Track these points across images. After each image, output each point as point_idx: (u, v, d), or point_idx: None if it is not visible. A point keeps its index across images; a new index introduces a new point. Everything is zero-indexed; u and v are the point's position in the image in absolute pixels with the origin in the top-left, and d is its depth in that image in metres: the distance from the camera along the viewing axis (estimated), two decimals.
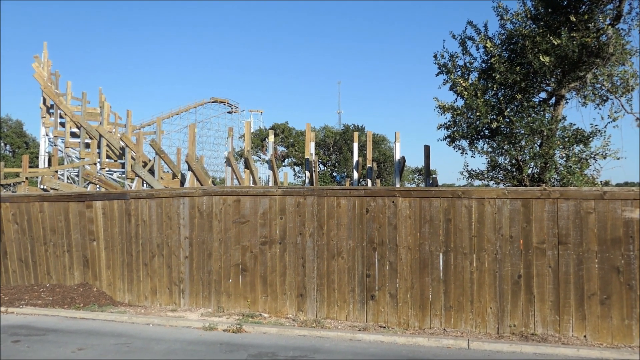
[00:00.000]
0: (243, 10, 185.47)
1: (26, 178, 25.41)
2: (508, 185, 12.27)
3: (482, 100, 11.64)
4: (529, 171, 11.71)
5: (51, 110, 32.75)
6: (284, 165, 62.69)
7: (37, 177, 29.64)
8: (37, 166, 37.04)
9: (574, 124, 11.67)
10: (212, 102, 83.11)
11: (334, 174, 60.51)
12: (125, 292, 11.42)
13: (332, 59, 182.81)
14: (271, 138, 21.32)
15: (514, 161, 12.25)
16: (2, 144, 61.20)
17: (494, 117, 11.68)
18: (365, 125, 65.82)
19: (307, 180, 20.03)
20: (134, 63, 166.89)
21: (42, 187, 26.27)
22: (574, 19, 11.22)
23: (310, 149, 20.20)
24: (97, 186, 20.17)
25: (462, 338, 8.40)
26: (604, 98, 12.51)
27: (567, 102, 12.62)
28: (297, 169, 63.55)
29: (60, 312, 10.12)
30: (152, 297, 11.12)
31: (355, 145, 21.13)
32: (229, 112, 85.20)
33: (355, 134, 21.30)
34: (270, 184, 20.44)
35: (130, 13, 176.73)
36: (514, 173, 12.28)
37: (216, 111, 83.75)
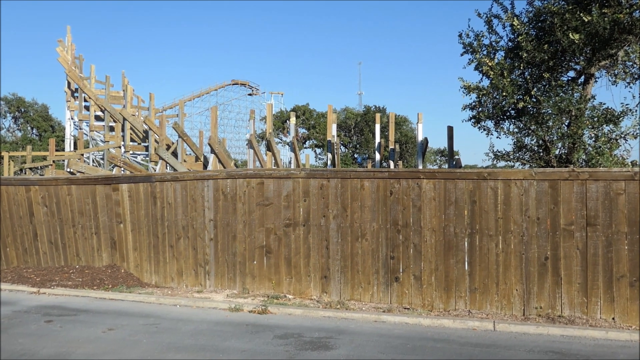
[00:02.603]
0: None
1: (53, 161, 25.90)
2: (535, 167, 12.07)
3: (508, 79, 11.40)
4: (557, 152, 11.49)
5: (76, 94, 33.17)
6: (305, 147, 62.68)
7: (64, 160, 30.22)
8: (63, 149, 37.70)
9: (604, 104, 11.40)
10: (233, 84, 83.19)
11: (355, 155, 60.31)
12: (152, 273, 11.63)
13: (353, 39, 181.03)
14: (293, 120, 21.28)
15: (540, 142, 12.03)
16: (29, 128, 62.39)
17: (521, 97, 11.44)
18: (386, 106, 65.27)
19: (329, 162, 20.00)
20: (155, 44, 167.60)
21: (68, 170, 26.79)
22: None
23: (332, 130, 20.12)
24: (122, 169, 20.47)
25: (487, 320, 8.37)
26: (636, 76, 12.14)
27: (596, 81, 12.28)
28: (318, 150, 63.47)
29: (90, 292, 10.37)
30: (179, 279, 11.30)
31: (377, 127, 20.98)
32: (250, 94, 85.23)
33: (377, 115, 21.14)
34: (292, 166, 20.46)
35: None
36: (541, 154, 12.07)
37: (237, 93, 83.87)
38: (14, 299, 10.05)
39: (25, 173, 29.68)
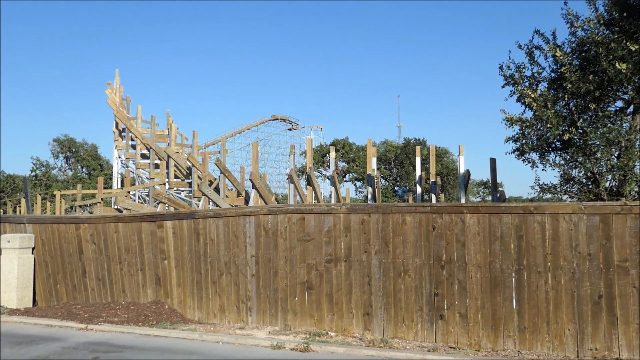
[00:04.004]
0: (301, 27, 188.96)
1: (101, 199, 26.78)
2: (584, 200, 11.66)
3: (552, 111, 11.17)
4: (607, 184, 11.09)
5: (123, 134, 34.51)
6: (345, 181, 62.72)
7: (111, 198, 31.21)
8: (111, 187, 38.99)
9: None
10: (273, 119, 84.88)
11: (396, 188, 59.87)
12: (195, 309, 11.72)
13: (391, 72, 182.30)
14: (332, 154, 21.41)
15: (589, 174, 11.64)
16: (79, 167, 65.00)
17: (566, 128, 11.17)
18: (426, 138, 64.83)
19: (369, 196, 19.91)
20: (196, 80, 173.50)
21: (116, 207, 27.61)
22: None
23: (372, 164, 20.09)
24: (167, 205, 20.96)
25: None
26: None
27: None
28: (358, 184, 63.37)
29: (135, 329, 10.50)
30: (221, 315, 11.34)
31: (418, 159, 20.82)
32: (290, 129, 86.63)
33: (417, 148, 21.00)
34: (333, 200, 20.48)
35: (189, 32, 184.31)
36: (590, 187, 11.67)
37: (277, 128, 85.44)
38: (64, 335, 10.28)
39: (75, 210, 30.78)
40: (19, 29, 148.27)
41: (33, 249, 13.87)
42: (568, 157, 11.88)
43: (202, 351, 8.92)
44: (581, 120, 11.31)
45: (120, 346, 9.31)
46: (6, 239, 13.44)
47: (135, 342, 9.67)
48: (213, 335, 9.95)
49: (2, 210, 40.76)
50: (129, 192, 28.39)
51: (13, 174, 57.80)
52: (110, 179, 41.18)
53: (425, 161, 25.85)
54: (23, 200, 33.99)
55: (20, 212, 36.77)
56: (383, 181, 58.59)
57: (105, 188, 33.32)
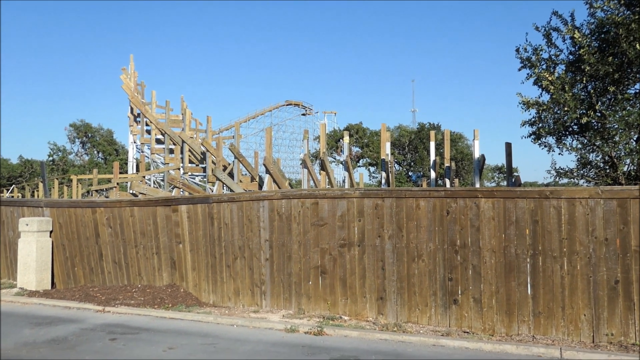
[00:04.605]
0: (314, 12, 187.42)
1: (117, 184, 27.06)
2: (601, 184, 11.49)
3: (570, 94, 10.98)
4: (625, 168, 10.90)
5: (138, 119, 34.72)
6: (359, 166, 62.60)
7: (127, 182, 31.53)
8: (126, 172, 39.36)
9: None
10: (287, 104, 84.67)
11: (410, 173, 59.63)
12: (209, 292, 11.84)
13: (405, 57, 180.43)
14: (346, 139, 21.31)
15: (607, 158, 11.46)
16: (95, 152, 65.67)
17: (584, 111, 10.98)
18: (441, 123, 64.32)
19: (383, 181, 19.84)
20: (210, 65, 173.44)
21: (131, 191, 27.88)
22: None
23: (386, 149, 19.98)
24: (181, 190, 21.11)
25: (553, 346, 7.96)
26: None
27: None
28: (372, 169, 63.25)
29: (151, 311, 10.65)
30: (235, 298, 11.45)
31: (432, 144, 20.67)
32: (303, 115, 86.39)
33: (432, 133, 20.84)
34: (346, 185, 20.47)
35: (203, 17, 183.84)
36: (607, 171, 11.49)
37: (290, 114, 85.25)
38: (81, 316, 10.47)
39: (92, 195, 31.15)
40: (36, 16, 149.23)
41: (51, 232, 14.09)
42: (585, 140, 11.69)
43: (217, 334, 9.02)
44: (599, 103, 11.10)
45: (136, 328, 9.46)
46: (25, 222, 13.66)
47: (152, 324, 9.82)
48: (228, 318, 10.05)
49: (20, 195, 41.42)
50: (144, 176, 28.63)
51: (31, 159, 58.68)
52: (126, 163, 41.59)
53: (439, 146, 25.69)
54: (41, 185, 34.50)
55: (38, 196, 37.36)
56: (397, 166, 58.36)
57: (120, 173, 33.64)
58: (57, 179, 39.60)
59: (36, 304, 11.75)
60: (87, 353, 7.80)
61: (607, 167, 11.57)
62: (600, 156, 11.71)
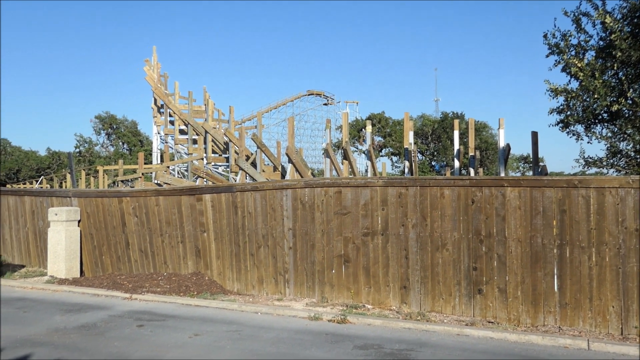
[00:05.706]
0: (336, 1, 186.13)
1: (142, 174, 27.45)
2: (631, 174, 11.22)
3: (600, 81, 10.70)
4: None
5: (161, 110, 35.06)
6: (381, 155, 62.29)
7: (151, 173, 31.96)
8: (150, 162, 39.86)
9: None
10: (309, 94, 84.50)
11: (433, 162, 59.14)
12: (234, 281, 11.96)
13: (427, 46, 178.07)
14: (369, 128, 21.19)
15: (638, 147, 11.17)
16: (120, 143, 66.66)
17: (615, 99, 10.69)
18: (464, 112, 63.47)
19: (406, 170, 19.72)
20: (232, 57, 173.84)
21: (156, 181, 28.26)
22: None
23: (409, 138, 19.82)
24: (205, 180, 21.31)
25: (580, 338, 7.84)
26: None
27: None
28: (394, 158, 62.87)
29: (177, 299, 10.82)
30: (259, 287, 11.54)
31: (456, 133, 20.41)
32: (325, 104, 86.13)
33: (456, 122, 20.58)
34: (369, 174, 20.40)
35: (225, 9, 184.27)
36: (638, 160, 11.20)
37: (312, 103, 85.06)
38: (110, 304, 10.69)
39: (117, 185, 31.71)
40: (62, 9, 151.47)
41: (79, 221, 14.38)
42: (616, 129, 11.41)
43: (242, 321, 9.12)
44: (631, 90, 10.79)
45: (163, 315, 9.62)
46: (54, 212, 13.97)
47: (177, 311, 9.97)
48: (252, 306, 10.15)
49: (49, 185, 42.36)
50: (168, 167, 28.97)
51: (58, 150, 59.83)
52: (150, 154, 42.09)
53: (463, 135, 25.37)
54: (68, 176, 35.23)
55: (65, 187, 38.17)
56: (420, 156, 57.93)
57: (145, 163, 34.08)
58: (83, 169, 40.39)
59: (66, 292, 12.04)
60: (115, 339, 7.97)
61: (638, 156, 11.28)
62: (632, 145, 11.43)
